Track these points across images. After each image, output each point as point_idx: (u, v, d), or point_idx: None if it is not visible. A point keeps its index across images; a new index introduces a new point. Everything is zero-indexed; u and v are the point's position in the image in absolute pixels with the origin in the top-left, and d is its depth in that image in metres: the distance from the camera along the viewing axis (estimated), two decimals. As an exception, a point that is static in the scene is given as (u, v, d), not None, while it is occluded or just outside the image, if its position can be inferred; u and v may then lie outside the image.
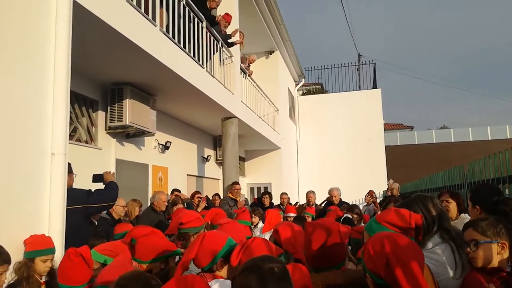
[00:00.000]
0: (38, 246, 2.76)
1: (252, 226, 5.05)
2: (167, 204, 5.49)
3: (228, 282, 1.86)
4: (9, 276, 2.63)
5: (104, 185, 3.96)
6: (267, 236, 4.30)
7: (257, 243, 1.87)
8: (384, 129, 15.96)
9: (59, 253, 2.91)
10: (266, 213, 4.70)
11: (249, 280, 1.33)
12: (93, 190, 3.65)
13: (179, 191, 6.57)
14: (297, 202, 10.09)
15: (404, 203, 2.17)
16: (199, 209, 6.01)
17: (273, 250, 1.89)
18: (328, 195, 7.80)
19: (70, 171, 3.59)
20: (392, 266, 1.35)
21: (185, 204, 6.35)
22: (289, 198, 8.80)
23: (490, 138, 23.41)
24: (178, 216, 2.76)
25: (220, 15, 7.78)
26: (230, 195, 7.21)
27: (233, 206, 6.84)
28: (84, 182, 4.08)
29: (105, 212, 5.13)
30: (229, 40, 8.01)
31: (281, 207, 8.29)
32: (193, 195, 6.72)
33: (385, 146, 15.23)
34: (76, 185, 3.79)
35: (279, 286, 1.33)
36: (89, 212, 3.58)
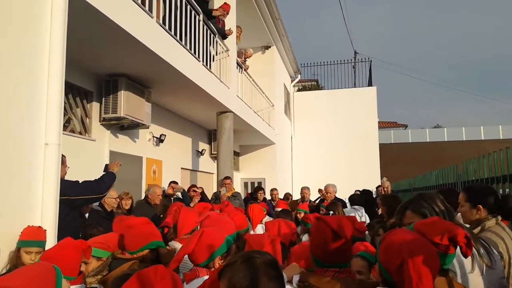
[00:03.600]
0: (23, 237, 2.75)
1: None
2: (161, 198, 5.47)
3: None
4: (3, 264, 2.64)
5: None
6: (257, 231, 4.34)
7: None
8: (379, 127, 16.00)
9: (51, 245, 2.88)
10: (248, 208, 4.66)
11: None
12: (80, 182, 3.60)
13: (176, 183, 6.56)
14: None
15: (410, 200, 2.13)
16: (192, 204, 6.00)
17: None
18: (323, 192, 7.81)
19: (62, 162, 3.55)
20: (405, 271, 1.35)
21: (181, 194, 6.34)
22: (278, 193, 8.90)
23: (483, 138, 23.61)
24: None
25: (218, 8, 7.73)
26: (220, 190, 7.21)
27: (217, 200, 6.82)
28: (77, 174, 4.05)
29: (97, 204, 5.11)
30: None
31: (272, 202, 8.33)
32: (189, 189, 6.72)
33: (379, 144, 15.28)
34: (69, 176, 3.76)
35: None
36: (74, 204, 3.50)
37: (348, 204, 7.57)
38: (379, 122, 16.84)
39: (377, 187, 10.05)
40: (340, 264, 1.84)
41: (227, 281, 1.34)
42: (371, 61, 16.70)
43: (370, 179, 13.66)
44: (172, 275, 1.46)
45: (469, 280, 1.86)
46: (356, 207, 5.80)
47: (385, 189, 8.64)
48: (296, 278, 1.85)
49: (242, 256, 1.41)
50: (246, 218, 3.78)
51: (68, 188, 3.36)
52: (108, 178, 3.83)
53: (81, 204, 3.77)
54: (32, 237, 2.74)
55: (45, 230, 2.85)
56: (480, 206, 2.39)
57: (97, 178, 3.82)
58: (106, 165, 4.17)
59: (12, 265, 2.66)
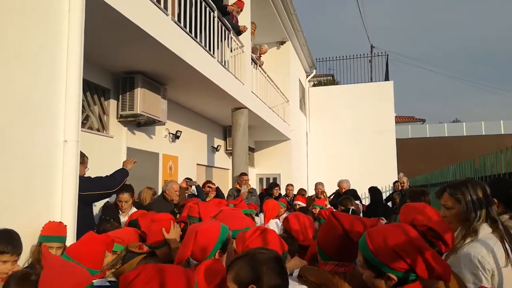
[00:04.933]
0: (45, 232, 2.81)
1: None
2: (178, 194, 5.53)
3: None
4: (25, 258, 2.72)
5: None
6: (271, 226, 4.37)
7: (273, 236, 1.93)
8: (396, 122, 15.81)
9: (71, 241, 2.96)
10: (264, 204, 4.75)
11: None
12: (92, 177, 3.67)
13: (190, 179, 6.62)
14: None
15: (453, 183, 2.14)
16: (208, 199, 6.06)
17: (283, 246, 1.94)
18: (337, 187, 7.80)
19: (83, 162, 3.66)
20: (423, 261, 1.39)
21: (196, 190, 6.40)
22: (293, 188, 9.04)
23: (503, 133, 23.08)
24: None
25: (232, 4, 7.75)
26: (237, 186, 7.25)
27: (237, 196, 6.87)
28: (95, 170, 4.15)
29: (114, 199, 5.20)
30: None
31: (287, 198, 8.36)
32: (204, 185, 6.78)
33: (396, 139, 15.10)
34: (87, 172, 3.86)
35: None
36: (86, 200, 3.53)
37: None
38: (396, 117, 16.64)
39: (394, 183, 9.97)
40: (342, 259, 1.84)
41: (234, 274, 1.44)
42: (387, 55, 16.49)
43: (387, 174, 13.56)
44: (188, 273, 1.48)
45: (503, 274, 1.87)
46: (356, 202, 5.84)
47: (402, 184, 8.58)
48: (296, 273, 1.89)
49: (249, 252, 1.49)
50: (252, 214, 3.88)
51: (79, 184, 3.43)
52: (119, 175, 3.90)
53: (92, 200, 3.83)
54: (53, 233, 2.81)
55: (66, 226, 2.91)
56: (495, 200, 2.35)
57: (109, 174, 3.90)
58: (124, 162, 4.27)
59: (34, 260, 2.74)
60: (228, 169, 10.47)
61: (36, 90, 2.94)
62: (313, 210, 5.44)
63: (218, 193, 6.67)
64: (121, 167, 4.14)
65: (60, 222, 2.91)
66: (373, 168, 14.07)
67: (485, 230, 1.95)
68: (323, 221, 4.33)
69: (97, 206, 5.20)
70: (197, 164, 9.07)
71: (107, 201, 5.19)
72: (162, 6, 4.88)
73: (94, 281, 2.12)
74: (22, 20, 2.85)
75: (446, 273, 1.40)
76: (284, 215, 5.56)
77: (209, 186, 6.58)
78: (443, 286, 1.56)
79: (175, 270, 1.44)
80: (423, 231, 1.64)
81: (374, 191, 7.50)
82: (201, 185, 6.75)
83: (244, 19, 8.35)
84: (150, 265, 1.42)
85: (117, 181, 3.82)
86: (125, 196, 4.44)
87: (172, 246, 2.34)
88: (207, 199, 6.06)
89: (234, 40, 7.71)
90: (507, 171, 4.43)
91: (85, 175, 3.70)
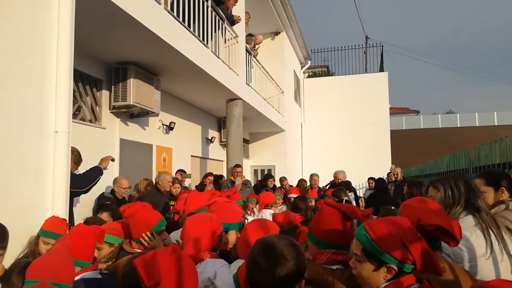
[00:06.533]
0: (45, 226, 2.76)
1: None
2: (171, 184, 5.52)
3: (223, 260, 1.87)
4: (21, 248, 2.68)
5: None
6: (264, 214, 4.43)
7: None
8: (390, 113, 15.83)
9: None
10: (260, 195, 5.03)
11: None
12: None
13: (184, 171, 6.60)
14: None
15: (434, 179, 2.19)
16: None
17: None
18: (332, 178, 7.80)
19: (78, 162, 3.63)
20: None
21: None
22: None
23: (496, 124, 23.23)
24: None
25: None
26: (231, 178, 7.24)
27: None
28: (88, 162, 4.13)
29: (109, 192, 5.19)
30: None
31: (283, 189, 8.39)
32: (206, 175, 6.81)
33: (391, 130, 15.14)
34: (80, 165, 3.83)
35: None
36: None
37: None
38: (390, 108, 16.66)
39: (388, 174, 10.01)
40: (341, 247, 1.81)
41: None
42: (382, 46, 16.45)
43: (381, 165, 13.59)
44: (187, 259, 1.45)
45: (481, 264, 1.85)
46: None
47: (396, 175, 8.62)
48: None
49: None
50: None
51: None
52: (91, 174, 3.86)
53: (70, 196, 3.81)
54: (52, 229, 2.74)
55: (68, 224, 2.85)
56: (504, 188, 2.38)
57: (82, 173, 3.88)
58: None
59: (30, 251, 2.70)
60: (222, 161, 10.45)
61: (26, 80, 2.88)
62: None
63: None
64: (97, 164, 4.11)
65: (63, 220, 2.86)
66: (368, 159, 14.11)
67: (468, 222, 1.95)
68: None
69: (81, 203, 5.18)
70: (192, 156, 9.03)
71: (103, 192, 5.18)
72: (154, -5, 4.80)
73: (85, 273, 2.10)
74: (9, 10, 2.78)
75: (439, 266, 1.38)
76: (281, 207, 5.57)
77: (209, 179, 6.64)
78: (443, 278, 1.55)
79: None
80: (432, 230, 1.60)
81: (379, 181, 7.64)
82: (201, 177, 6.83)
83: (238, 9, 8.27)
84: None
85: (88, 181, 3.77)
86: (104, 215, 4.29)
87: None
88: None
89: (228, 30, 7.64)
90: (501, 162, 4.44)
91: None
